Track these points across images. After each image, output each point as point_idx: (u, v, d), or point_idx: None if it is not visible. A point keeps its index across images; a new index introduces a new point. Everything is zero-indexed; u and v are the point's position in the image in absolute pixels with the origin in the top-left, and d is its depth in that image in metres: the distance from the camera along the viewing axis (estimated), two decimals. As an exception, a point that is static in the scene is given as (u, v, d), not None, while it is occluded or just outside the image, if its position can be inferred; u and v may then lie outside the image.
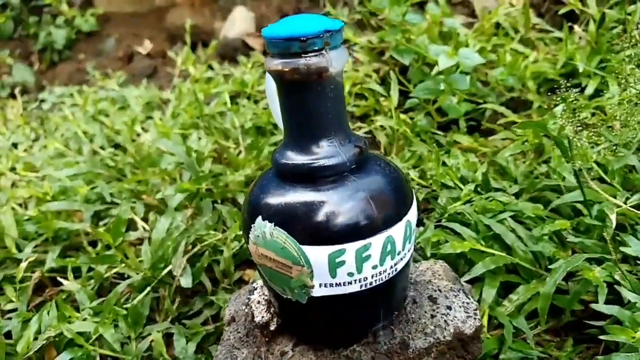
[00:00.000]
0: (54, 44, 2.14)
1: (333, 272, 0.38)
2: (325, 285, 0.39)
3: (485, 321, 0.56)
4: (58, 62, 2.22)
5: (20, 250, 0.75)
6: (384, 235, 0.38)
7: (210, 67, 1.67)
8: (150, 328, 0.58)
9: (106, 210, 0.83)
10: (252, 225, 0.40)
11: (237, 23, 1.78)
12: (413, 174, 0.84)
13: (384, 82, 1.20)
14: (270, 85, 0.43)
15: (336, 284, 0.39)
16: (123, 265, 0.67)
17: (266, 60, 0.38)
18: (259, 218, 0.39)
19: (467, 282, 0.61)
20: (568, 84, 0.59)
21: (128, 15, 2.48)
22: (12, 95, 1.92)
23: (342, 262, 0.38)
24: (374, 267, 0.39)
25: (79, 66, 2.13)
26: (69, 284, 0.64)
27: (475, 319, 0.47)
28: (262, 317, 0.46)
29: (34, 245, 0.73)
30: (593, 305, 0.51)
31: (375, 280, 0.40)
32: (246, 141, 0.99)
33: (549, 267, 0.56)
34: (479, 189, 0.79)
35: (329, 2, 1.67)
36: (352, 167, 0.39)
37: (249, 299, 0.48)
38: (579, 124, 0.60)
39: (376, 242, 0.38)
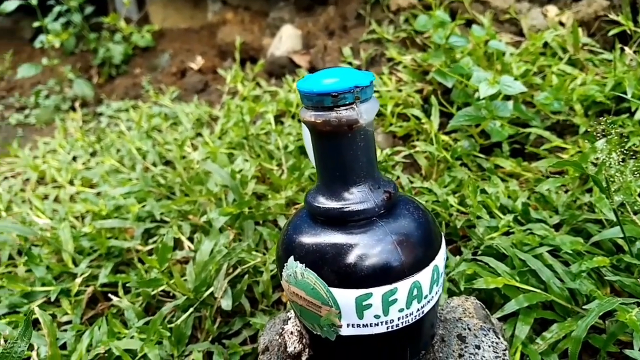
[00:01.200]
0: (112, 59, 2.26)
1: (360, 314, 0.40)
2: (353, 326, 0.41)
3: (517, 359, 0.56)
4: (115, 76, 2.34)
5: (76, 264, 0.81)
6: (411, 280, 0.40)
7: (258, 85, 1.73)
8: (192, 347, 0.62)
9: (156, 229, 0.88)
10: (285, 264, 0.42)
11: (284, 41, 1.83)
12: (452, 200, 0.84)
13: (427, 101, 1.21)
14: (306, 131, 0.46)
15: (363, 324, 0.40)
16: (170, 283, 0.71)
17: (301, 111, 0.41)
18: (292, 258, 0.42)
19: (500, 317, 0.61)
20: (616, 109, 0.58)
21: (182, 31, 2.59)
22: (73, 108, 2.04)
23: (369, 305, 0.39)
24: (401, 310, 0.40)
25: (135, 80, 2.23)
26: (118, 300, 0.69)
27: (503, 359, 0.47)
28: (295, 347, 0.48)
29: (88, 260, 0.79)
30: (627, 351, 0.50)
31: (402, 322, 0.41)
32: (289, 162, 1.02)
33: (584, 307, 0.56)
34: (519, 218, 0.79)
35: (374, 21, 1.69)
36: (381, 211, 0.41)
37: (282, 328, 0.51)
38: (624, 153, 0.59)
39: (403, 286, 0.39)
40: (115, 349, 0.57)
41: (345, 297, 0.39)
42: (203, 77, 2.09)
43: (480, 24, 1.30)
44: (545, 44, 1.29)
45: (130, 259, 0.83)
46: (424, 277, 0.40)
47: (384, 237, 0.40)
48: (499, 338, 0.49)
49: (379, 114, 1.29)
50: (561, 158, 0.91)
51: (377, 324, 0.40)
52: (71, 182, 1.24)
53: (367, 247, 0.40)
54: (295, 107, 1.34)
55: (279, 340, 0.50)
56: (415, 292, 0.40)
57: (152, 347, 0.57)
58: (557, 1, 1.64)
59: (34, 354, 0.59)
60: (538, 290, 0.59)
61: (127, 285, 0.75)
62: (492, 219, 0.78)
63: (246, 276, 0.68)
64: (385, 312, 0.40)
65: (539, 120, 1.06)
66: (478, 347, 0.48)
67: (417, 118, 1.09)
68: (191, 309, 0.64)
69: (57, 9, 2.12)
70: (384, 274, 0.39)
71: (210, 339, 0.65)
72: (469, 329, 0.50)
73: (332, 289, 0.39)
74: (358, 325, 0.41)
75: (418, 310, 0.41)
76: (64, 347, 0.65)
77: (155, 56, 2.38)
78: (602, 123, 0.62)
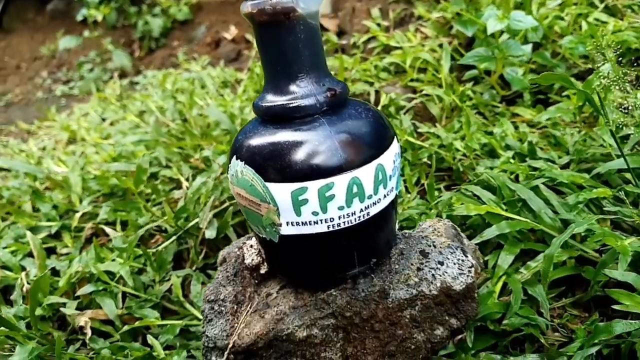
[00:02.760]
0: (151, 32, 2.31)
1: (298, 211, 0.38)
2: (292, 224, 0.39)
3: (497, 287, 0.53)
4: (155, 49, 2.40)
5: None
6: (349, 175, 0.38)
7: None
8: (172, 273, 0.63)
9: (160, 172, 0.89)
10: (229, 166, 0.42)
11: (313, 4, 1.80)
12: (458, 145, 0.80)
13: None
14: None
15: (302, 222, 0.39)
16: (164, 219, 0.72)
17: (241, 6, 0.39)
18: (234, 157, 0.41)
19: (482, 245, 0.58)
20: None
21: (219, 4, 2.61)
22: (112, 78, 2.12)
23: (306, 201, 0.38)
24: (341, 208, 0.39)
25: (172, 52, 2.29)
26: (113, 233, 0.71)
27: (468, 276, 0.44)
28: (252, 259, 0.47)
29: (90, 199, 0.81)
30: (606, 271, 0.46)
31: (344, 222, 0.39)
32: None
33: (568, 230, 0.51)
34: (527, 160, 0.74)
35: (405, -21, 1.63)
36: (323, 109, 0.39)
37: (244, 243, 0.50)
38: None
39: (340, 182, 0.38)
40: (94, 269, 0.58)
41: (281, 191, 0.38)
42: (236, 46, 2.11)
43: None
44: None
45: (131, 200, 0.85)
46: (364, 174, 0.38)
47: (323, 132, 0.38)
48: (466, 256, 0.46)
49: (400, 70, 1.26)
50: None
51: (317, 222, 0.39)
52: (105, 139, 1.28)
53: (303, 141, 0.38)
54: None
55: (237, 253, 0.49)
56: (355, 190, 0.38)
57: (125, 265, 0.58)
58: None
59: (23, 274, 0.62)
60: (524, 219, 0.55)
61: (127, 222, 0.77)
62: (496, 159, 0.73)
63: (231, 207, 0.68)
64: (324, 209, 0.38)
65: (564, 67, 0.99)
66: (441, 262, 0.45)
67: (435, 70, 1.05)
68: (173, 237, 0.65)
69: (98, -17, 2.20)
70: (319, 168, 0.37)
71: (194, 268, 0.65)
72: (434, 246, 0.47)
73: (269, 184, 0.38)
74: (297, 224, 0.39)
75: (362, 210, 0.39)
76: (57, 273, 0.68)
77: (192, 29, 2.42)
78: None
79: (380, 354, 0.43)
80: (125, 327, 0.54)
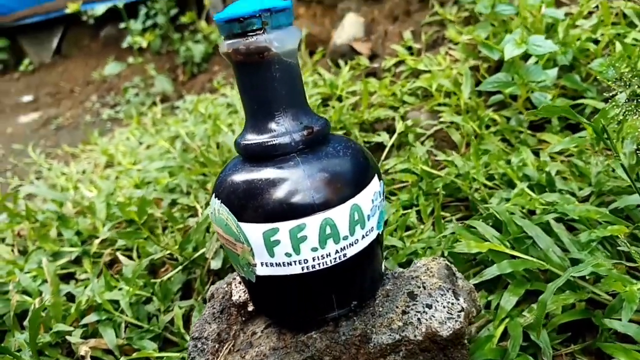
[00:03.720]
0: (193, 57, 2.39)
1: (270, 251, 0.38)
2: (267, 265, 0.39)
3: (498, 332, 0.50)
4: (197, 74, 2.48)
5: (105, 230, 0.87)
6: (321, 216, 0.37)
7: (317, 73, 1.73)
8: (177, 303, 0.63)
9: (180, 199, 0.91)
10: (210, 203, 0.42)
11: (346, 29, 1.82)
12: (475, 174, 0.78)
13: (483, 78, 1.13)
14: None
15: (276, 263, 0.38)
16: (175, 248, 0.73)
17: (220, 45, 0.40)
18: (213, 195, 0.41)
19: (496, 287, 0.55)
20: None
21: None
22: (154, 103, 2.20)
23: (278, 242, 0.37)
24: (314, 250, 0.38)
25: (212, 77, 2.35)
26: (125, 260, 0.72)
27: (457, 321, 0.42)
28: (240, 296, 0.47)
29: (111, 225, 0.84)
30: (606, 321, 0.43)
31: (319, 264, 0.38)
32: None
33: (573, 273, 0.48)
34: (546, 190, 0.71)
35: (437, 2, 1.62)
36: (299, 147, 0.39)
37: (234, 278, 0.50)
38: None
39: (311, 223, 0.37)
40: (98, 298, 0.60)
41: (253, 232, 0.38)
42: (272, 70, 2.14)
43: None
44: (624, 15, 1.15)
45: (154, 226, 0.87)
46: (338, 215, 0.37)
47: (296, 171, 0.38)
48: (457, 299, 0.44)
49: (428, 94, 1.24)
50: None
51: (291, 264, 0.38)
52: (133, 164, 1.33)
53: (276, 181, 0.38)
54: (340, 90, 1.32)
55: (226, 289, 0.49)
56: (328, 231, 0.37)
57: (127, 296, 0.59)
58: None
59: (37, 300, 0.64)
60: (529, 257, 0.52)
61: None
62: (512, 190, 0.70)
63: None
64: (297, 251, 0.38)
65: (595, 91, 0.94)
66: (429, 306, 0.43)
67: (455, 93, 1.03)
68: (179, 267, 0.65)
69: (143, 11, 2.30)
70: (290, 208, 0.37)
71: (199, 298, 0.66)
72: (424, 287, 0.45)
73: (242, 224, 0.38)
74: (271, 264, 0.39)
75: (337, 252, 0.38)
76: (73, 299, 0.70)
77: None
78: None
79: (363, 400, 0.42)
80: (123, 359, 0.55)
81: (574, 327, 0.51)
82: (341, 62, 1.63)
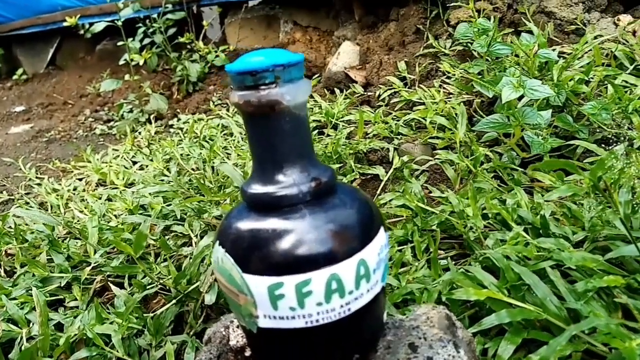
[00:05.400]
0: (189, 76, 2.40)
1: (274, 305, 0.38)
2: (269, 317, 0.39)
3: (496, 381, 0.50)
4: (192, 93, 2.48)
5: (97, 256, 0.86)
6: (328, 271, 0.37)
7: (313, 98, 1.74)
8: (168, 338, 0.62)
9: (173, 226, 0.91)
10: (213, 249, 0.42)
11: (342, 57, 1.84)
12: (470, 212, 0.78)
13: (475, 113, 1.15)
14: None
15: (279, 317, 0.38)
16: (168, 279, 0.72)
17: (229, 95, 0.40)
18: (217, 243, 0.41)
19: (493, 335, 0.56)
20: None
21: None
22: (149, 121, 2.19)
23: (282, 295, 0.37)
24: (319, 304, 0.38)
25: (207, 96, 2.35)
26: (117, 290, 0.71)
27: (457, 375, 0.42)
28: (237, 341, 0.47)
29: (103, 251, 0.83)
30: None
31: (323, 319, 0.38)
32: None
33: (572, 327, 0.49)
34: (541, 232, 0.71)
35: (432, 35, 1.65)
36: (307, 199, 0.39)
37: (231, 321, 0.49)
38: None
39: (318, 278, 0.37)
40: (88, 332, 0.59)
41: (258, 284, 0.38)
42: (267, 92, 2.15)
43: (531, 31, 1.21)
44: (614, 57, 1.18)
45: (145, 253, 0.86)
46: (344, 270, 0.37)
47: (304, 223, 0.38)
48: (458, 352, 0.44)
49: (420, 126, 1.25)
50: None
51: (294, 317, 0.38)
52: (126, 185, 1.32)
53: (283, 233, 0.38)
54: (336, 118, 1.33)
55: (223, 333, 0.49)
56: (334, 286, 0.37)
57: (119, 332, 0.58)
58: (635, 10, 1.50)
59: (24, 331, 0.63)
60: (527, 306, 0.53)
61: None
62: (508, 232, 0.71)
63: (232, 273, 0.67)
64: (301, 305, 0.37)
65: (587, 132, 0.96)
66: (430, 358, 0.43)
67: (449, 128, 1.04)
68: (173, 301, 0.65)
69: (141, 29, 2.31)
70: (296, 262, 0.37)
71: (191, 333, 0.65)
72: (425, 338, 0.45)
73: (246, 276, 0.38)
74: (274, 317, 0.38)
75: (342, 306, 0.38)
76: (62, 327, 0.69)
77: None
78: None
79: None
80: (113, 397, 0.54)
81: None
82: (336, 90, 1.64)
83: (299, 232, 0.38)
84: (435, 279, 0.64)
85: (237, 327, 0.48)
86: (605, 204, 0.70)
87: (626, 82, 1.08)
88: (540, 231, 0.71)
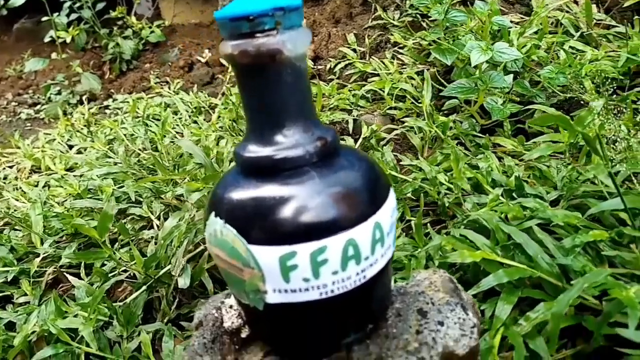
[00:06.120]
0: (122, 54, 2.25)
1: (286, 277, 0.34)
2: (280, 291, 0.35)
3: (496, 342, 0.49)
4: (126, 72, 2.34)
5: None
6: (344, 237, 0.34)
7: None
8: (142, 327, 0.57)
9: (130, 209, 0.84)
10: (207, 223, 0.37)
11: (288, 29, 1.78)
12: (442, 178, 0.77)
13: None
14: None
15: (291, 290, 0.35)
16: (132, 264, 0.66)
17: (220, 46, 0.35)
18: (212, 214, 0.36)
19: (481, 297, 0.55)
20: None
21: (192, 26, 2.57)
22: (81, 102, 2.04)
23: (295, 266, 0.34)
24: (335, 273, 0.34)
25: (144, 75, 2.22)
26: (76, 280, 0.65)
27: (471, 337, 0.41)
28: (232, 322, 0.43)
29: (52, 240, 0.75)
30: (619, 330, 0.43)
31: (338, 288, 0.35)
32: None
33: (572, 282, 0.49)
34: (514, 195, 0.72)
35: (380, 7, 1.63)
36: (313, 160, 0.36)
37: (222, 302, 0.45)
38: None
39: (334, 244, 0.34)
40: (52, 328, 0.52)
41: (267, 256, 0.34)
42: (210, 69, 2.06)
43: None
44: (560, 24, 1.21)
45: (95, 246, 0.79)
46: (360, 234, 0.34)
47: (314, 186, 0.34)
48: (467, 314, 0.43)
49: (378, 97, 1.24)
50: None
51: (308, 289, 0.35)
52: (66, 170, 1.21)
53: (291, 199, 0.34)
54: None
55: (215, 315, 0.44)
56: (350, 252, 0.34)
57: (88, 326, 0.52)
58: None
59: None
60: (521, 265, 0.52)
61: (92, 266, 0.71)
62: (483, 195, 0.71)
63: (206, 252, 0.63)
64: (316, 275, 0.34)
65: (544, 97, 0.98)
66: (441, 323, 0.41)
67: (414, 97, 1.03)
68: (143, 287, 0.59)
69: (67, 4, 2.13)
70: (310, 229, 0.33)
71: (165, 320, 0.60)
72: (432, 303, 0.43)
73: (252, 247, 0.34)
74: (285, 291, 0.35)
75: (358, 274, 0.35)
76: (13, 326, 0.62)
77: (165, 51, 2.37)
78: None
79: None
80: (89, 396, 0.49)
81: (564, 332, 0.52)
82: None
83: (310, 196, 0.34)
84: (420, 247, 0.62)
85: (230, 307, 0.44)
86: (574, 163, 0.72)
87: (573, 48, 1.12)
88: (514, 193, 0.71)
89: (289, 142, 0.35)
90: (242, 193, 0.36)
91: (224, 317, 0.43)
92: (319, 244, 0.33)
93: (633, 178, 0.61)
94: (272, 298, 0.35)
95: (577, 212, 0.62)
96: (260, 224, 0.34)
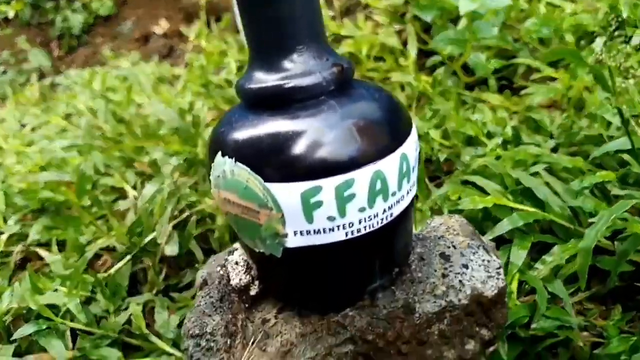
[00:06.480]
0: (71, 29, 2.11)
1: (309, 217, 0.30)
2: (302, 233, 0.31)
3: (514, 287, 0.47)
4: (77, 47, 2.20)
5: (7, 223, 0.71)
6: (371, 169, 0.30)
7: (225, 42, 1.61)
8: (130, 300, 0.52)
9: (99, 181, 0.77)
10: (212, 165, 0.33)
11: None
12: (434, 134, 0.75)
13: (406, 44, 1.11)
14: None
15: (314, 231, 0.31)
16: (111, 235, 0.61)
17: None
18: (219, 155, 0.32)
19: (492, 240, 0.53)
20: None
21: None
22: (29, 80, 1.91)
23: (320, 203, 0.30)
24: (362, 210, 0.31)
25: (96, 50, 2.10)
26: (49, 256, 0.59)
27: (498, 279, 0.38)
28: (240, 279, 0.39)
29: (17, 217, 0.68)
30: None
31: (365, 227, 0.32)
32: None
33: (591, 220, 0.47)
34: (509, 147, 0.70)
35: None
36: (330, 88, 0.32)
37: (226, 259, 0.41)
38: (625, 71, 0.50)
39: (361, 177, 0.30)
40: (33, 304, 0.47)
41: (288, 193, 0.30)
42: (168, 41, 1.97)
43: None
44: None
45: (71, 215, 0.73)
46: (388, 166, 0.31)
47: (334, 116, 0.30)
48: (490, 256, 0.40)
49: (355, 60, 1.20)
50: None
51: (333, 229, 0.31)
52: (26, 146, 1.13)
53: (312, 130, 0.30)
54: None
55: (221, 273, 0.40)
56: (378, 186, 0.31)
57: (74, 297, 0.47)
58: None
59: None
60: (534, 210, 0.50)
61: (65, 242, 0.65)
62: (479, 147, 0.69)
63: (193, 218, 0.58)
64: (342, 213, 0.30)
65: (527, 52, 0.97)
66: (466, 266, 0.39)
67: (398, 53, 1.00)
68: (128, 257, 0.54)
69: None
70: (335, 162, 0.30)
71: (155, 292, 0.55)
72: (454, 247, 0.40)
73: (270, 185, 0.30)
74: (308, 232, 0.31)
75: (385, 211, 0.32)
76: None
77: (117, 24, 2.24)
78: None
79: (407, 381, 0.36)
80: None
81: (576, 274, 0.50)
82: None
83: (334, 127, 0.30)
84: (422, 201, 0.60)
85: (236, 264, 0.40)
86: (569, 112, 0.70)
87: (550, 3, 1.10)
88: (510, 144, 0.69)
89: (301, 69, 0.31)
90: (252, 129, 0.31)
91: (230, 274, 0.39)
92: (346, 177, 0.30)
93: (632, 121, 0.60)
94: (293, 242, 0.31)
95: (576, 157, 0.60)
96: (278, 159, 0.30)
